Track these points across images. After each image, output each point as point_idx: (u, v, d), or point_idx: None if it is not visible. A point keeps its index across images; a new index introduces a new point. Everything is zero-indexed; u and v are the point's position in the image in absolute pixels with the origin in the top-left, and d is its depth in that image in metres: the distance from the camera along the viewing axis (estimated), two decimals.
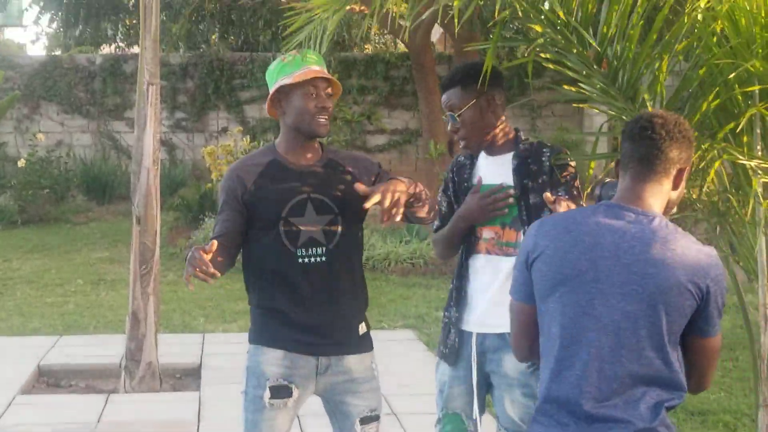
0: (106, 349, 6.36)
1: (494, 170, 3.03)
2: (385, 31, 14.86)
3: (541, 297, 2.20)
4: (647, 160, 2.19)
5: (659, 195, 2.21)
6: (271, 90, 2.93)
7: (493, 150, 3.05)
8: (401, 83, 16.05)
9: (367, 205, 2.78)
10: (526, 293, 2.24)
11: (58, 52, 19.01)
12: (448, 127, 3.08)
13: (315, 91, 2.88)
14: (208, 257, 2.63)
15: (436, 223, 3.18)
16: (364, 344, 3.01)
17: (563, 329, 2.14)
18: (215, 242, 2.70)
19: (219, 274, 2.68)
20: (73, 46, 17.96)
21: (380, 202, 2.74)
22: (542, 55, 3.06)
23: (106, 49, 18.23)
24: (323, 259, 2.88)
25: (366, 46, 16.83)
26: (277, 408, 2.88)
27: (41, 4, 13.95)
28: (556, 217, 2.32)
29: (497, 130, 3.03)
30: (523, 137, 3.06)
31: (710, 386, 2.36)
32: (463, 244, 3.07)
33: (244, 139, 12.61)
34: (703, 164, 2.93)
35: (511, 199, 2.93)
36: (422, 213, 2.96)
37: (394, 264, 9.12)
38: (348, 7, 3.12)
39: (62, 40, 19.02)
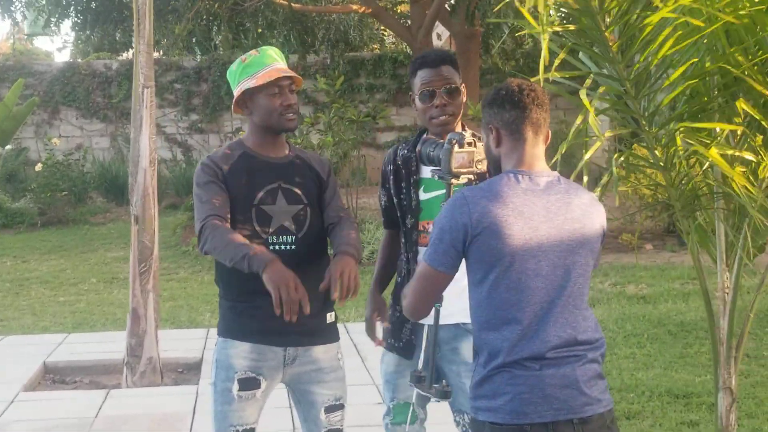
0: (112, 345, 6.43)
1: None
2: (391, 33, 14.91)
3: (489, 267, 2.28)
4: (542, 125, 2.35)
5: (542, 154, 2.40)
6: (236, 93, 2.96)
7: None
8: (408, 81, 16.16)
9: (334, 296, 2.80)
10: (452, 265, 2.33)
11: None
12: (436, 102, 2.96)
13: (279, 90, 2.93)
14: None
15: (384, 222, 3.23)
16: (332, 334, 3.06)
17: (521, 293, 2.27)
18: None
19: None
20: (92, 52, 18.24)
21: (337, 285, 2.79)
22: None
23: (125, 55, 18.50)
24: (293, 247, 2.94)
25: (375, 46, 16.92)
26: (245, 399, 2.94)
27: (49, 9, 14.14)
28: (483, 192, 2.32)
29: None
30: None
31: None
32: (405, 241, 3.05)
33: None
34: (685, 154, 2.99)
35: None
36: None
37: None
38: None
39: (81, 46, 19.29)
